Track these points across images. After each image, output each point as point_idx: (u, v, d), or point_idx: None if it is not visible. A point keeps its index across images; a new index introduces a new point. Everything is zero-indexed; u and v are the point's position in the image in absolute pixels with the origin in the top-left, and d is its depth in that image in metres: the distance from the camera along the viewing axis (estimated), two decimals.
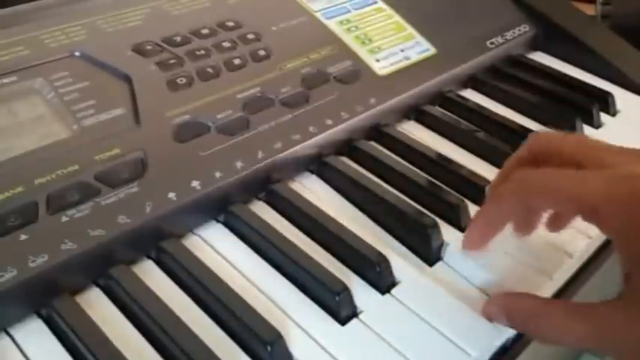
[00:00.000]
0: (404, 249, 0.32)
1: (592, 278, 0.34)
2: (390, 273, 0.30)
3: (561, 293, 0.32)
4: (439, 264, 0.32)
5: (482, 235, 0.30)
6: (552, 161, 0.28)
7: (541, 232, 0.32)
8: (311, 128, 0.37)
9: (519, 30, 0.51)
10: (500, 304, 0.28)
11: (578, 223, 0.30)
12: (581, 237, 0.33)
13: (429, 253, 0.32)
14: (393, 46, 0.45)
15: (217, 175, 0.33)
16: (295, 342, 0.27)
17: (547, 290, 0.31)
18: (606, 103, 0.46)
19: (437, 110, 0.44)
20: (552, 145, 0.29)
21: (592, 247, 0.34)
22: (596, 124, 0.44)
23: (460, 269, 0.31)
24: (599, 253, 0.35)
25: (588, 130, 0.43)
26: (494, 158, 0.39)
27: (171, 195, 0.31)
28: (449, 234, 0.33)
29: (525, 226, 0.31)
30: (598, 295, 0.26)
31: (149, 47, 0.38)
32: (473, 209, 0.35)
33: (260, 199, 0.35)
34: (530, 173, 0.28)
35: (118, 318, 0.28)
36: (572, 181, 0.26)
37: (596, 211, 0.25)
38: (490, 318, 0.28)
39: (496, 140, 0.40)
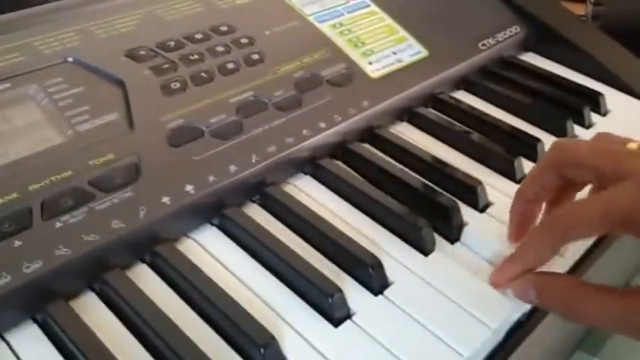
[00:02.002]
0: (397, 250, 0.33)
1: (604, 255, 0.34)
2: (383, 274, 0.31)
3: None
4: (433, 265, 0.32)
5: (512, 276, 0.30)
6: (576, 173, 0.30)
7: None
8: (304, 131, 0.37)
9: (511, 31, 0.51)
10: (532, 280, 0.29)
11: None
12: None
13: (423, 253, 0.32)
14: (386, 49, 0.45)
15: (211, 179, 0.33)
16: (289, 344, 0.27)
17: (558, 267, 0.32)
18: (597, 104, 0.46)
19: (429, 112, 0.44)
20: (579, 157, 0.29)
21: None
22: (587, 124, 0.45)
23: (458, 259, 0.32)
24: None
25: (579, 130, 0.44)
26: (486, 159, 0.40)
27: (166, 199, 0.31)
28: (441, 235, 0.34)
29: None
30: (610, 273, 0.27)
31: (143, 52, 0.38)
32: (465, 210, 0.35)
33: (254, 202, 0.35)
34: (567, 212, 0.29)
35: (113, 323, 0.28)
36: (599, 205, 0.27)
37: (627, 221, 0.26)
38: (519, 294, 0.29)
39: (488, 141, 0.41)
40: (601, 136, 0.33)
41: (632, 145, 0.31)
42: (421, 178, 0.37)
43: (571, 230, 0.28)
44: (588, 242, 0.35)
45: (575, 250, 0.34)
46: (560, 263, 0.32)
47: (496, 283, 0.30)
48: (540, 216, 0.33)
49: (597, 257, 0.35)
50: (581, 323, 0.28)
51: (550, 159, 0.31)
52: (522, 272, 0.29)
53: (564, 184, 0.31)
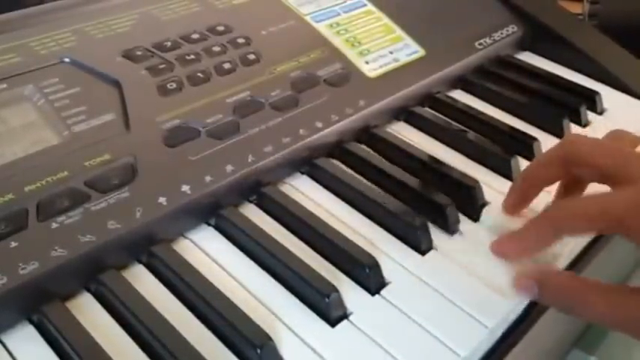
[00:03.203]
0: (394, 250, 0.33)
1: (602, 252, 0.35)
2: (380, 274, 0.31)
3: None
4: (429, 264, 0.32)
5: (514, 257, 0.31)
6: (580, 170, 0.30)
7: None
8: (301, 131, 0.37)
9: (507, 30, 0.51)
10: (535, 275, 0.29)
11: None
12: None
13: (420, 252, 0.32)
14: (382, 49, 0.45)
15: (208, 179, 0.33)
16: (285, 344, 0.27)
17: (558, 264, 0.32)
18: (593, 102, 0.46)
19: (426, 111, 0.44)
20: (584, 155, 0.30)
21: None
22: (584, 123, 0.45)
23: (455, 258, 0.32)
24: None
25: (575, 129, 0.44)
26: (483, 159, 0.40)
27: (162, 200, 0.31)
28: (437, 234, 0.34)
29: None
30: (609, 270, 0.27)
31: (139, 53, 0.38)
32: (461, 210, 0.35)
33: (251, 202, 0.35)
34: (561, 204, 0.30)
35: (109, 323, 0.28)
36: (599, 205, 0.28)
37: (621, 222, 0.27)
38: (520, 288, 0.29)
39: (485, 140, 0.41)
40: (615, 134, 0.33)
41: None
42: (418, 178, 0.37)
43: (568, 221, 0.29)
44: (586, 239, 0.35)
45: (573, 246, 0.34)
46: (559, 260, 0.33)
47: (494, 250, 0.31)
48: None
49: (596, 254, 0.35)
50: (584, 319, 0.28)
51: (557, 152, 0.32)
52: (519, 251, 0.30)
53: (568, 177, 0.32)
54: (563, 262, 0.34)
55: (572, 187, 0.33)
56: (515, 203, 0.34)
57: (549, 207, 0.31)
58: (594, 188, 0.32)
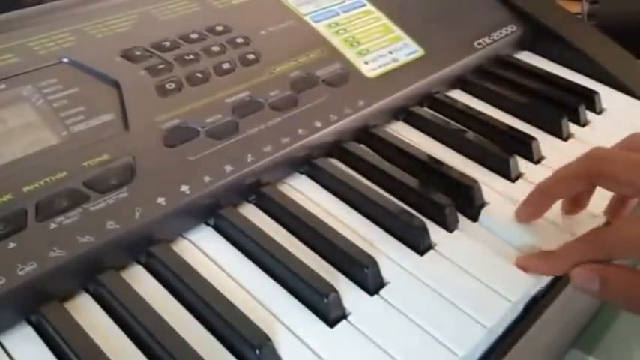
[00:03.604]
0: (393, 250, 0.33)
1: None
2: (379, 274, 0.31)
3: None
4: (428, 264, 0.32)
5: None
6: (609, 186, 0.31)
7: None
8: (300, 131, 0.37)
9: (506, 30, 0.51)
10: (597, 271, 0.29)
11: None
12: None
13: (419, 252, 0.32)
14: (382, 48, 0.45)
15: (207, 179, 0.33)
16: (284, 345, 0.27)
17: None
18: (592, 102, 0.46)
19: (425, 111, 0.44)
20: (617, 173, 0.30)
21: None
22: (582, 123, 0.45)
23: (453, 258, 0.32)
24: None
25: (574, 129, 0.44)
26: (482, 159, 0.40)
27: (161, 200, 0.31)
28: (436, 234, 0.34)
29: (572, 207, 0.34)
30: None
31: (138, 53, 0.38)
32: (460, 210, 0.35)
33: (250, 202, 0.35)
34: (604, 233, 0.30)
35: (108, 324, 0.28)
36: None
37: None
38: (579, 282, 0.29)
39: (484, 140, 0.41)
40: (635, 140, 0.33)
41: None
42: (417, 178, 0.37)
43: (614, 251, 0.29)
44: None
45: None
46: (596, 221, 0.34)
47: (520, 265, 0.32)
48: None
49: None
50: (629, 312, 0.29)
51: (585, 169, 0.31)
52: (546, 273, 0.31)
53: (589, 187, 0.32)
54: (599, 222, 0.34)
55: (579, 195, 0.33)
56: (529, 214, 0.34)
57: (590, 235, 0.30)
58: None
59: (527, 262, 0.32)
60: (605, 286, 0.28)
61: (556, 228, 0.34)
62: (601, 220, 0.35)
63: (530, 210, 0.34)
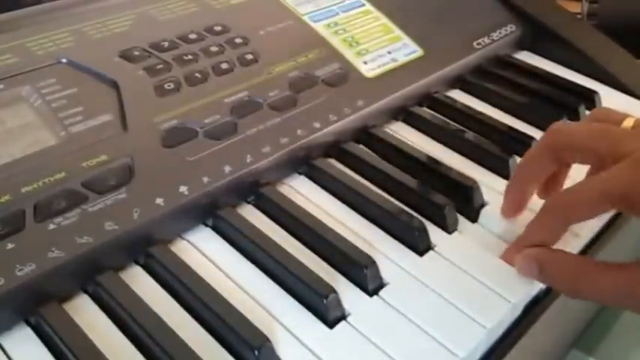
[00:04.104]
0: (392, 250, 0.33)
1: (615, 236, 0.36)
2: (378, 275, 0.31)
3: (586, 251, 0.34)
4: (428, 265, 0.32)
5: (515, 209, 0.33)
6: (573, 156, 0.31)
7: None
8: (299, 131, 0.37)
9: (506, 30, 0.51)
10: (535, 256, 0.29)
11: None
12: None
13: (418, 253, 0.32)
14: (381, 48, 0.45)
15: (205, 179, 0.33)
16: (283, 346, 0.27)
17: (575, 248, 0.33)
18: (592, 102, 0.46)
19: (425, 111, 0.44)
20: (576, 141, 0.30)
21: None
22: None
23: (453, 259, 0.32)
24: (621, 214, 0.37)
25: None
26: (481, 159, 0.40)
27: (159, 201, 0.31)
28: (435, 235, 0.33)
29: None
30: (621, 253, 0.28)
31: (136, 53, 0.38)
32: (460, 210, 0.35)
33: (249, 203, 0.35)
34: (559, 196, 0.30)
35: (107, 325, 0.28)
36: (602, 183, 0.28)
37: (625, 199, 0.27)
38: (521, 269, 0.30)
39: (483, 140, 0.41)
40: (598, 114, 0.33)
41: (627, 123, 0.31)
42: (416, 178, 0.37)
43: (571, 212, 0.29)
44: (602, 221, 0.36)
45: (590, 227, 0.35)
46: (576, 242, 0.33)
47: (506, 259, 0.32)
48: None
49: (613, 235, 0.36)
50: (586, 298, 0.29)
51: (546, 143, 0.31)
52: (525, 245, 0.31)
53: (559, 165, 0.32)
54: (581, 243, 0.34)
55: (553, 177, 0.33)
56: (513, 207, 0.34)
57: (546, 202, 0.30)
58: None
59: (508, 253, 0.32)
60: (542, 272, 0.29)
61: None
62: (603, 221, 0.36)
63: (512, 202, 0.34)
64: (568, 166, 0.33)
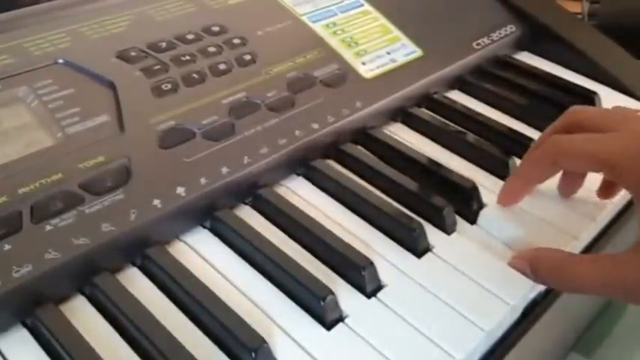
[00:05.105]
0: (390, 252, 0.32)
1: (614, 239, 0.36)
2: (376, 277, 0.31)
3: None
4: (426, 267, 0.32)
5: (516, 192, 0.35)
6: (580, 131, 0.32)
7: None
8: (297, 132, 0.37)
9: (505, 30, 0.51)
10: (526, 256, 0.31)
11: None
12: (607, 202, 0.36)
13: (416, 254, 0.32)
14: (379, 49, 0.45)
15: (203, 181, 0.33)
16: (280, 348, 0.27)
17: (575, 248, 0.34)
18: (592, 103, 0.46)
19: (423, 112, 0.44)
20: (580, 117, 0.33)
21: (614, 211, 0.37)
22: None
23: (451, 261, 0.32)
24: (620, 217, 0.38)
25: None
26: (480, 160, 0.39)
27: (156, 202, 0.31)
28: (434, 236, 0.33)
29: (568, 188, 0.36)
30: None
31: (134, 53, 0.38)
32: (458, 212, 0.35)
33: (246, 204, 0.35)
34: (559, 137, 0.32)
35: (103, 327, 0.28)
36: (593, 143, 0.30)
37: (615, 167, 0.28)
38: (517, 270, 0.31)
39: (482, 142, 0.40)
40: (615, 108, 0.34)
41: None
42: (414, 180, 0.37)
43: (560, 157, 0.31)
44: (600, 225, 0.36)
45: (588, 231, 0.35)
46: (576, 244, 0.34)
47: (501, 201, 0.35)
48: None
49: (610, 238, 0.36)
50: (578, 292, 0.30)
51: (562, 120, 0.34)
52: (523, 186, 0.34)
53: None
54: (580, 245, 0.34)
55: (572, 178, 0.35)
56: (508, 198, 0.35)
57: (544, 144, 0.32)
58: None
59: (503, 192, 0.34)
60: (535, 269, 0.30)
61: (556, 230, 0.34)
62: (601, 224, 0.35)
63: (508, 194, 0.35)
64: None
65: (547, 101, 0.45)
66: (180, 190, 0.32)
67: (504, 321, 0.30)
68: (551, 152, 0.31)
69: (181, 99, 0.36)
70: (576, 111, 0.33)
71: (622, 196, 0.37)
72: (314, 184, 0.37)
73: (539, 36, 0.52)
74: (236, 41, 0.41)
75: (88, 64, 0.36)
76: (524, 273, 0.31)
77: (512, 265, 0.31)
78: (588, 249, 0.35)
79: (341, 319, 0.29)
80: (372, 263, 0.30)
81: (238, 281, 0.30)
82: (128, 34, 0.39)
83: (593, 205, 0.36)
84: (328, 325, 0.28)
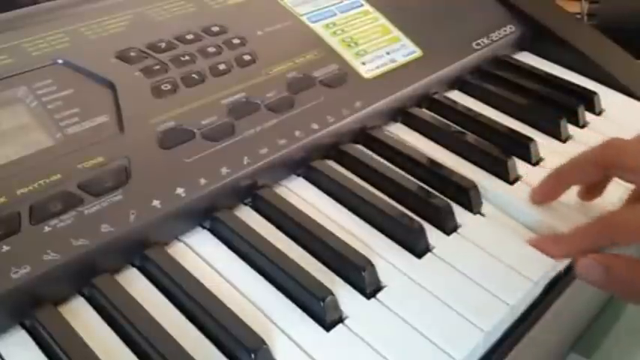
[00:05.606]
0: (390, 253, 0.32)
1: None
2: (376, 277, 0.31)
3: None
4: (426, 267, 0.32)
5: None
6: (622, 175, 0.32)
7: None
8: (297, 133, 0.37)
9: (505, 30, 0.51)
10: (599, 259, 0.30)
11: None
12: None
13: (416, 255, 0.32)
14: (379, 49, 0.45)
15: (202, 181, 0.33)
16: (280, 349, 0.27)
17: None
18: (591, 103, 0.46)
19: (423, 112, 0.44)
20: (622, 161, 0.32)
21: None
22: (581, 124, 0.44)
23: (451, 261, 0.32)
24: None
25: (573, 130, 0.44)
26: (480, 160, 0.39)
27: (156, 203, 0.31)
28: (434, 237, 0.33)
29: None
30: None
31: (133, 54, 0.38)
32: (458, 212, 0.35)
33: (246, 205, 0.35)
34: (612, 220, 0.31)
35: (102, 328, 0.28)
36: None
37: None
38: (584, 270, 0.30)
39: (482, 142, 0.40)
40: None
41: None
42: (414, 180, 0.37)
43: (617, 235, 0.30)
44: None
45: None
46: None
47: (533, 245, 0.33)
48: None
49: None
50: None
51: (600, 156, 0.32)
52: (554, 255, 0.32)
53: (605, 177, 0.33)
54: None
55: (594, 186, 0.34)
56: (542, 196, 0.34)
57: (600, 221, 0.31)
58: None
59: (540, 243, 0.32)
60: (608, 276, 0.29)
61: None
62: None
63: (545, 191, 0.34)
64: (605, 182, 0.34)
65: (547, 101, 0.45)
66: (180, 191, 0.32)
67: (504, 321, 0.30)
68: (608, 231, 0.30)
69: (181, 99, 0.36)
70: (617, 148, 0.32)
71: None
72: (314, 184, 0.37)
73: (538, 36, 0.52)
74: (236, 41, 0.41)
75: (88, 64, 0.36)
76: (593, 276, 0.30)
77: (583, 264, 0.30)
78: None
79: (341, 320, 0.29)
80: (371, 264, 0.30)
81: (238, 282, 0.30)
82: (127, 34, 0.39)
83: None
84: (328, 326, 0.28)
